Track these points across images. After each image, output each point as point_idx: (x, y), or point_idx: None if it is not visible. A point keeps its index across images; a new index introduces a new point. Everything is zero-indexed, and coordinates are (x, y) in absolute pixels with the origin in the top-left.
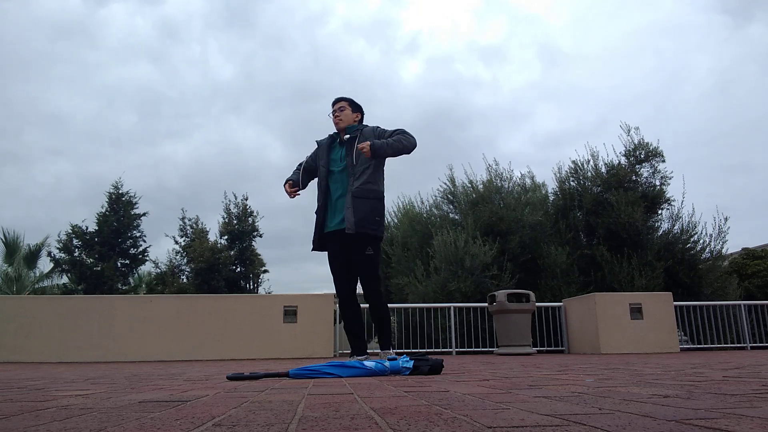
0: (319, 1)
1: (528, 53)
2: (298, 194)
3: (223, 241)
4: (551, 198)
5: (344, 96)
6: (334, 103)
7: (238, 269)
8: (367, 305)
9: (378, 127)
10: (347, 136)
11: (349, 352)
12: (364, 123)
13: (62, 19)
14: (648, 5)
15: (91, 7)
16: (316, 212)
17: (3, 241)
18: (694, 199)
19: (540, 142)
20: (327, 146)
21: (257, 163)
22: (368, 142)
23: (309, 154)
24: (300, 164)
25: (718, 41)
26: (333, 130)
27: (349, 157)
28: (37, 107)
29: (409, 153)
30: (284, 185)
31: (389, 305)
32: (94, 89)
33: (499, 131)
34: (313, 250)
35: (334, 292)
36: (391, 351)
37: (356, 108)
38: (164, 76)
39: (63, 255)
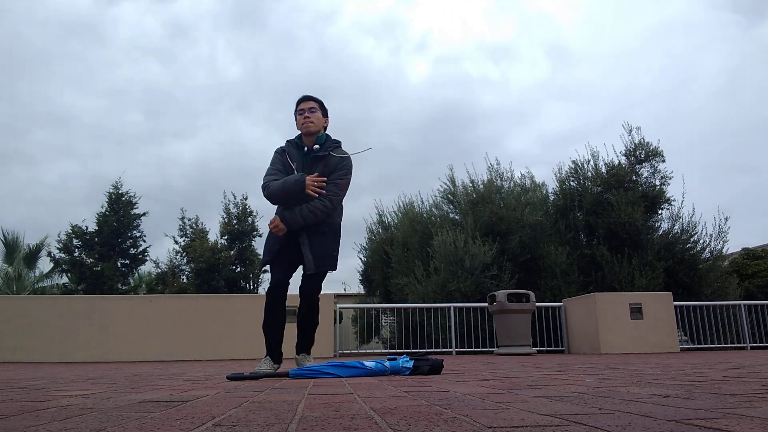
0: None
1: (537, 52)
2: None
3: (223, 241)
4: (551, 198)
5: (314, 96)
6: (301, 101)
7: (238, 269)
8: (304, 305)
9: (345, 156)
10: (316, 146)
11: (349, 352)
12: (327, 132)
13: (72, 17)
14: (659, 4)
15: (102, 5)
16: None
17: (2, 242)
18: (697, 198)
19: (548, 141)
20: (296, 152)
21: (263, 163)
22: (277, 218)
23: (272, 172)
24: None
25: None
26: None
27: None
28: (43, 106)
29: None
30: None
31: (389, 305)
32: (101, 88)
33: (506, 131)
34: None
35: (334, 292)
36: (309, 356)
37: (325, 113)
38: (172, 76)
39: (63, 255)
